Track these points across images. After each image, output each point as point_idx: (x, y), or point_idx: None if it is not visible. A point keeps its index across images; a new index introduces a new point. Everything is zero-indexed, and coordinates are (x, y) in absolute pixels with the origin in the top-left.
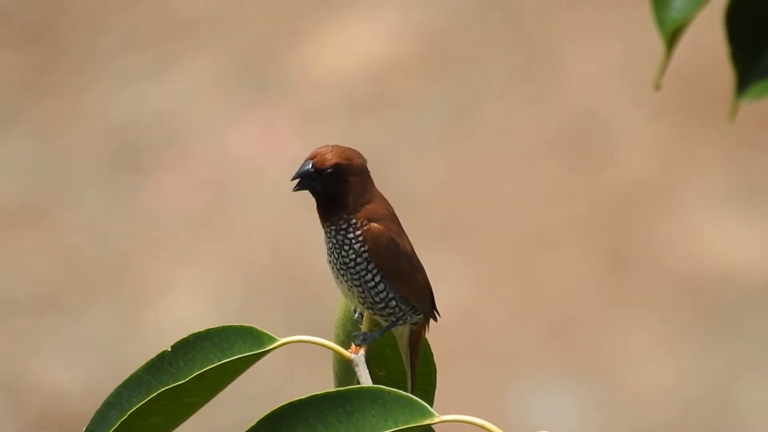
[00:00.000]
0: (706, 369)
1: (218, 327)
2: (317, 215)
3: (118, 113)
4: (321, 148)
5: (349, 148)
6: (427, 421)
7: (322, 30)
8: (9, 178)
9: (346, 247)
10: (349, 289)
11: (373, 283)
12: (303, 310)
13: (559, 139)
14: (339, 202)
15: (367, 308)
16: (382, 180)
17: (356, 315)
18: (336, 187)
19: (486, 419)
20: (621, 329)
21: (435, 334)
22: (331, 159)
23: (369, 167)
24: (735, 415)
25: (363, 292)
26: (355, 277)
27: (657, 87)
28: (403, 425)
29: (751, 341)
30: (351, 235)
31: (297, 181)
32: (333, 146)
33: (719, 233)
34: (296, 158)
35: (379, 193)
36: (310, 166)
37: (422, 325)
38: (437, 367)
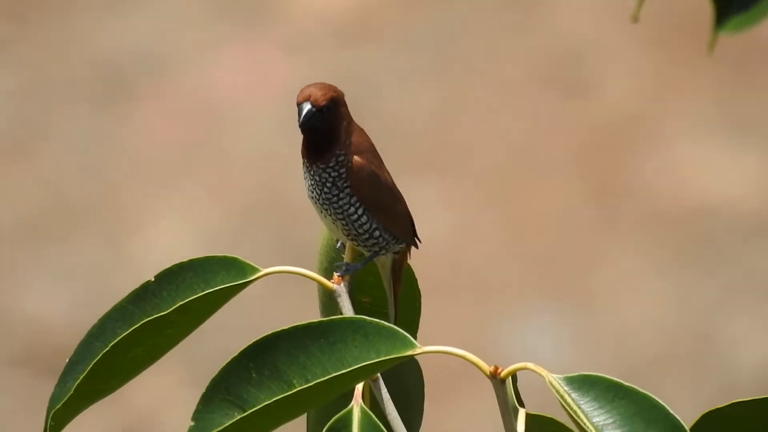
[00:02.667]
0: (692, 300)
1: (201, 257)
2: (302, 155)
3: (102, 43)
4: (306, 88)
5: (326, 83)
6: (409, 352)
7: None
8: None
9: (329, 184)
10: (333, 223)
11: (356, 216)
12: (290, 239)
13: (547, 68)
14: (333, 136)
15: (351, 239)
16: (367, 109)
17: (338, 244)
18: (333, 120)
19: (469, 351)
20: (607, 260)
21: (420, 263)
22: (324, 94)
23: (355, 96)
24: (720, 346)
25: (347, 225)
26: (339, 211)
27: (635, 19)
28: (385, 356)
29: (737, 272)
30: (335, 173)
31: (303, 122)
32: (315, 84)
33: (707, 164)
34: (282, 88)
35: (357, 124)
36: (310, 106)
37: (404, 254)
38: (423, 297)
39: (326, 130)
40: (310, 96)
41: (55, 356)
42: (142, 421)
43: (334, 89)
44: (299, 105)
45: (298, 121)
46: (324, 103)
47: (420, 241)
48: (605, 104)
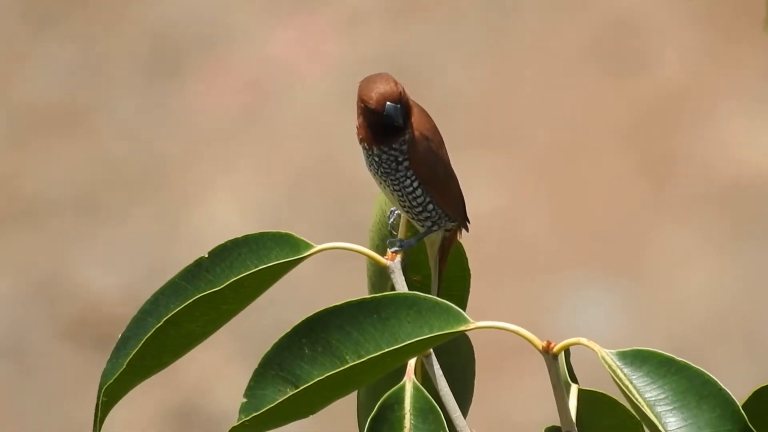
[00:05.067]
0: (745, 275)
1: (255, 233)
2: (365, 141)
3: (157, 16)
4: (375, 89)
5: (383, 74)
6: (462, 328)
7: None
8: (49, 82)
9: (390, 159)
10: (391, 193)
11: (411, 188)
12: (345, 214)
13: (598, 45)
14: (407, 121)
15: (406, 212)
16: (421, 85)
17: (391, 219)
18: (407, 107)
19: (522, 326)
20: (659, 235)
21: (472, 238)
22: (396, 85)
23: (406, 72)
24: None
25: (402, 197)
26: (395, 182)
27: None
28: (438, 332)
29: None
30: (395, 152)
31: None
32: (379, 79)
33: (758, 140)
34: (335, 63)
35: (415, 102)
36: (393, 105)
37: (454, 233)
38: (475, 273)
39: (405, 118)
40: (384, 97)
41: (109, 330)
42: (194, 397)
43: (392, 77)
44: (382, 112)
45: (395, 122)
46: (398, 93)
47: (470, 223)
48: (657, 80)
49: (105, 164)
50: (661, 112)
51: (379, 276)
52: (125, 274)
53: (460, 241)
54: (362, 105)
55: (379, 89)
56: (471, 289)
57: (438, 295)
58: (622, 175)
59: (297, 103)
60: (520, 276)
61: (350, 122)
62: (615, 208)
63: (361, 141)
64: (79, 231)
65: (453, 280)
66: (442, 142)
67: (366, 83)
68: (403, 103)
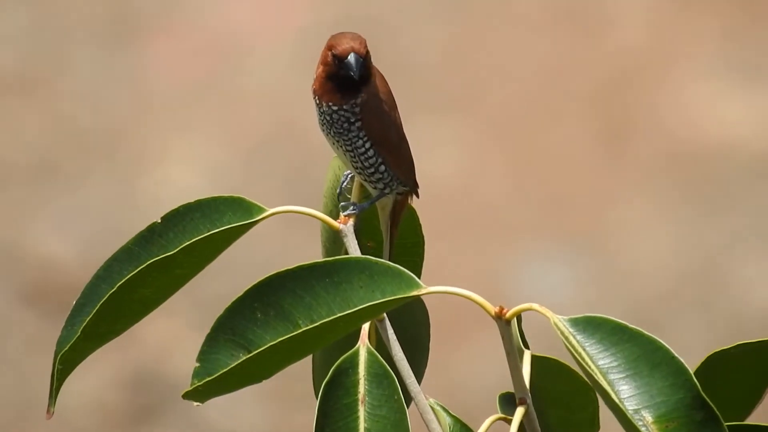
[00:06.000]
0: (702, 242)
1: (207, 198)
2: (317, 93)
3: None
4: (342, 41)
5: (351, 32)
6: (414, 293)
7: None
8: (4, 46)
9: (342, 120)
10: (344, 154)
11: (363, 149)
12: (303, 177)
13: (560, 7)
14: (366, 79)
15: (358, 173)
16: (381, 48)
17: (344, 183)
18: (369, 65)
19: (478, 291)
20: (617, 201)
21: (431, 202)
22: (361, 43)
23: (368, 35)
24: (730, 289)
25: (354, 157)
26: (348, 143)
27: None
28: (390, 296)
29: (746, 214)
30: (349, 113)
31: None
32: (344, 35)
33: (717, 105)
34: (296, 26)
35: (375, 66)
36: (356, 56)
37: (405, 198)
38: (433, 237)
39: (363, 76)
40: (352, 48)
41: (66, 295)
42: (152, 363)
43: (361, 36)
44: (344, 59)
45: (352, 73)
46: (365, 51)
47: (419, 188)
48: (618, 44)
49: (62, 128)
50: (622, 76)
51: (333, 242)
52: (84, 239)
53: (413, 207)
54: (327, 51)
55: (349, 41)
56: (428, 254)
57: (390, 260)
58: (581, 140)
59: (257, 68)
60: (478, 241)
61: (309, 86)
62: (574, 173)
63: (314, 93)
64: (36, 195)
65: (407, 246)
66: (395, 106)
67: (339, 35)
68: (364, 61)
